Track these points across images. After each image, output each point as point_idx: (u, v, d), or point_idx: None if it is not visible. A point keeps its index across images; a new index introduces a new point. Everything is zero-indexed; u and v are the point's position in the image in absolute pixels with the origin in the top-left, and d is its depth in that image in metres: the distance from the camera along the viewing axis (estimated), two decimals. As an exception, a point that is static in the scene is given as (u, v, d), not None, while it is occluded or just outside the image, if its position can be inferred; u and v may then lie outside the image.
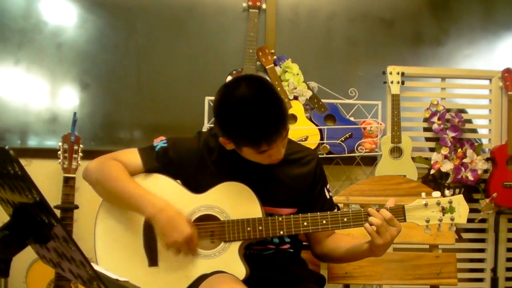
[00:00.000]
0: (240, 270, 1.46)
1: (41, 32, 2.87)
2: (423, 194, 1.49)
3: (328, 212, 1.50)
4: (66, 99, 2.92)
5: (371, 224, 1.41)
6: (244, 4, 2.89)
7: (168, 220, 1.43)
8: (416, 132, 2.96)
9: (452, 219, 1.47)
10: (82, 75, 2.90)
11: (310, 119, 2.75)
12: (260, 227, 1.48)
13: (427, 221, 1.47)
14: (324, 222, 1.48)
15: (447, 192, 1.49)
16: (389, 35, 3.09)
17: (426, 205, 1.47)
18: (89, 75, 2.91)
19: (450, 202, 1.47)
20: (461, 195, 1.49)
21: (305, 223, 1.49)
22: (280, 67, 2.78)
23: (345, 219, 1.48)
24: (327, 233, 1.64)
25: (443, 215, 1.47)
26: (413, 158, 2.79)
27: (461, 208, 1.48)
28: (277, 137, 1.40)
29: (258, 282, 1.50)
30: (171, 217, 1.43)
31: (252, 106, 1.38)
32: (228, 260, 1.48)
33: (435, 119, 2.83)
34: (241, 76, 1.49)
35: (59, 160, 2.55)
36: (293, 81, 2.72)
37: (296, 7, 3.02)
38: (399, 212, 1.46)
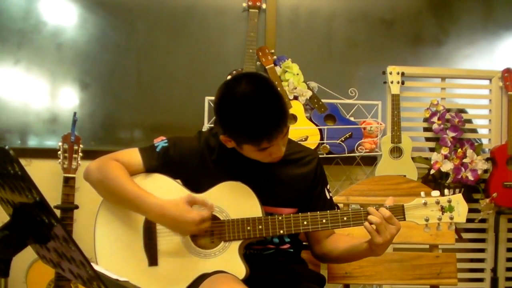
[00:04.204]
0: (240, 269, 1.46)
1: (41, 32, 2.87)
2: (422, 193, 1.49)
3: (328, 211, 1.50)
4: (66, 99, 2.92)
5: (370, 223, 1.41)
6: (244, 4, 2.89)
7: (172, 220, 1.44)
8: (416, 132, 2.96)
9: (451, 218, 1.47)
10: (82, 75, 2.91)
11: (310, 119, 2.75)
12: (260, 226, 1.48)
13: (427, 220, 1.47)
14: (324, 221, 1.48)
15: (446, 191, 1.49)
16: (389, 35, 3.09)
17: (425, 204, 1.47)
18: (89, 75, 2.91)
19: (449, 201, 1.47)
20: (460, 194, 1.49)
21: (305, 222, 1.49)
22: (280, 67, 2.78)
23: (345, 218, 1.48)
24: (327, 233, 1.64)
25: (442, 214, 1.47)
26: (413, 158, 2.79)
27: (460, 207, 1.48)
28: (278, 134, 1.41)
29: (258, 282, 1.50)
30: (173, 217, 1.43)
31: (253, 102, 1.39)
32: (228, 259, 1.48)
33: (435, 119, 2.83)
34: (241, 73, 1.50)
35: (59, 160, 2.55)
36: (293, 81, 2.72)
37: (296, 7, 3.02)
38: (399, 211, 1.46)
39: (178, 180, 1.57)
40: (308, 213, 1.49)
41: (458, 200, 1.48)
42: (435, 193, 1.49)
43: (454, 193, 1.49)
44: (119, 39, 2.94)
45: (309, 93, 2.75)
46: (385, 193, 1.86)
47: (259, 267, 1.52)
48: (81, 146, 2.59)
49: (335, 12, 3.05)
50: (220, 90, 1.45)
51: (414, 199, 1.49)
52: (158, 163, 1.55)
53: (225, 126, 1.45)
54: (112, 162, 1.53)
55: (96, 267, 0.86)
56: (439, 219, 1.47)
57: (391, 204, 1.47)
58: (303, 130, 2.69)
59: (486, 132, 2.99)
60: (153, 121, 2.94)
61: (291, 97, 2.73)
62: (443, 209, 1.47)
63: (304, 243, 1.71)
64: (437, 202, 1.47)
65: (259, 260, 1.55)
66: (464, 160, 2.78)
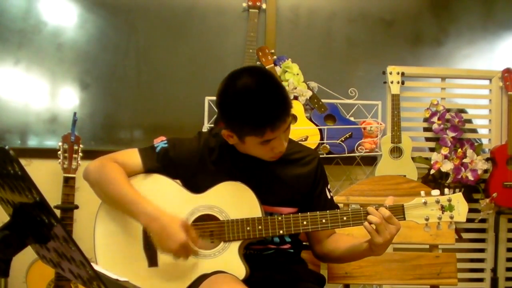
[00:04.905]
0: (240, 270, 1.46)
1: (41, 32, 2.87)
2: (422, 193, 1.49)
3: (328, 211, 1.50)
4: (66, 99, 2.92)
5: (370, 223, 1.41)
6: (244, 4, 2.89)
7: (162, 228, 1.41)
8: (416, 132, 2.96)
9: (452, 217, 1.47)
10: (82, 75, 2.91)
11: (310, 119, 2.75)
12: (260, 227, 1.48)
13: (427, 220, 1.47)
14: (324, 221, 1.48)
15: (446, 190, 1.49)
16: (389, 35, 3.09)
17: (425, 203, 1.47)
18: (89, 75, 2.91)
19: (449, 200, 1.47)
20: (460, 193, 1.49)
21: (305, 222, 1.48)
22: (280, 67, 2.78)
23: (345, 218, 1.48)
24: (328, 233, 1.64)
25: (443, 213, 1.47)
26: (413, 158, 2.79)
27: (460, 206, 1.47)
28: (281, 123, 1.41)
29: (258, 282, 1.49)
30: (164, 226, 1.41)
31: (255, 92, 1.39)
32: (228, 260, 1.48)
33: (435, 119, 2.83)
34: (242, 67, 1.50)
35: (59, 160, 2.55)
36: (293, 81, 2.72)
37: (296, 7, 3.02)
38: (399, 211, 1.46)
39: (178, 181, 1.57)
40: (308, 213, 1.49)
41: (458, 199, 1.48)
42: (435, 192, 1.48)
43: (454, 192, 1.49)
44: (119, 39, 2.94)
45: (309, 93, 2.75)
46: (385, 193, 1.86)
47: (259, 267, 1.52)
48: (81, 146, 2.59)
49: (335, 12, 3.05)
50: (222, 84, 1.46)
51: (414, 198, 1.49)
52: (157, 163, 1.55)
53: (228, 118, 1.45)
54: (110, 164, 1.53)
55: (96, 267, 0.86)
56: (439, 218, 1.47)
57: (391, 204, 1.47)
58: (303, 130, 2.69)
59: (486, 132, 2.99)
60: (153, 121, 2.94)
61: (291, 97, 2.73)
62: (443, 208, 1.47)
63: (304, 243, 1.71)
64: (437, 201, 1.47)
65: (259, 260, 1.55)
66: (464, 160, 2.78)
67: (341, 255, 1.58)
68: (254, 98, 1.39)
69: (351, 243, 1.55)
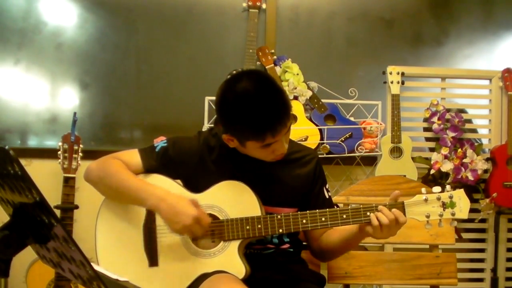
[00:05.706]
0: (240, 269, 1.46)
1: (41, 32, 2.87)
2: (423, 190, 1.47)
3: (327, 209, 1.49)
4: (66, 99, 2.92)
5: (377, 219, 1.41)
6: (244, 4, 2.89)
7: (170, 207, 1.41)
8: (416, 132, 2.96)
9: (453, 214, 1.45)
10: (82, 75, 2.91)
11: (310, 119, 2.75)
12: (259, 225, 1.48)
13: (428, 217, 1.45)
14: (323, 219, 1.48)
15: (447, 187, 1.47)
16: (389, 35, 3.09)
17: (426, 200, 1.45)
18: (89, 75, 2.91)
19: (451, 197, 1.45)
20: (462, 190, 1.46)
21: (304, 221, 1.48)
22: (280, 67, 2.78)
23: (344, 216, 1.47)
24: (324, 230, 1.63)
25: (444, 210, 1.45)
26: (413, 158, 2.79)
27: (462, 202, 1.45)
28: (281, 128, 1.41)
29: (258, 281, 1.50)
30: (173, 204, 1.41)
31: (255, 97, 1.38)
32: (228, 259, 1.48)
33: (435, 119, 2.83)
34: (241, 71, 1.49)
35: (59, 160, 2.55)
36: (293, 81, 2.72)
37: (296, 7, 3.02)
38: (399, 208, 1.45)
39: (178, 181, 1.57)
40: (307, 211, 1.49)
41: (460, 196, 1.46)
42: (437, 189, 1.47)
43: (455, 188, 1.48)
44: (119, 39, 2.94)
45: (309, 93, 2.75)
46: (385, 193, 1.85)
47: (259, 267, 1.52)
48: (81, 146, 2.59)
49: (335, 12, 3.05)
50: (221, 88, 1.45)
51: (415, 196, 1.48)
52: (157, 163, 1.55)
53: (228, 124, 1.45)
54: (112, 160, 1.54)
55: (96, 267, 0.86)
56: (441, 215, 1.45)
57: (392, 202, 1.45)
58: (303, 130, 2.69)
59: (486, 132, 2.98)
60: (153, 121, 2.94)
61: (291, 97, 2.73)
62: (444, 205, 1.45)
63: (304, 243, 1.71)
64: (439, 198, 1.45)
65: (259, 260, 1.55)
66: (464, 160, 2.78)
67: (337, 246, 1.58)
68: (253, 103, 1.38)
69: (345, 232, 1.54)
